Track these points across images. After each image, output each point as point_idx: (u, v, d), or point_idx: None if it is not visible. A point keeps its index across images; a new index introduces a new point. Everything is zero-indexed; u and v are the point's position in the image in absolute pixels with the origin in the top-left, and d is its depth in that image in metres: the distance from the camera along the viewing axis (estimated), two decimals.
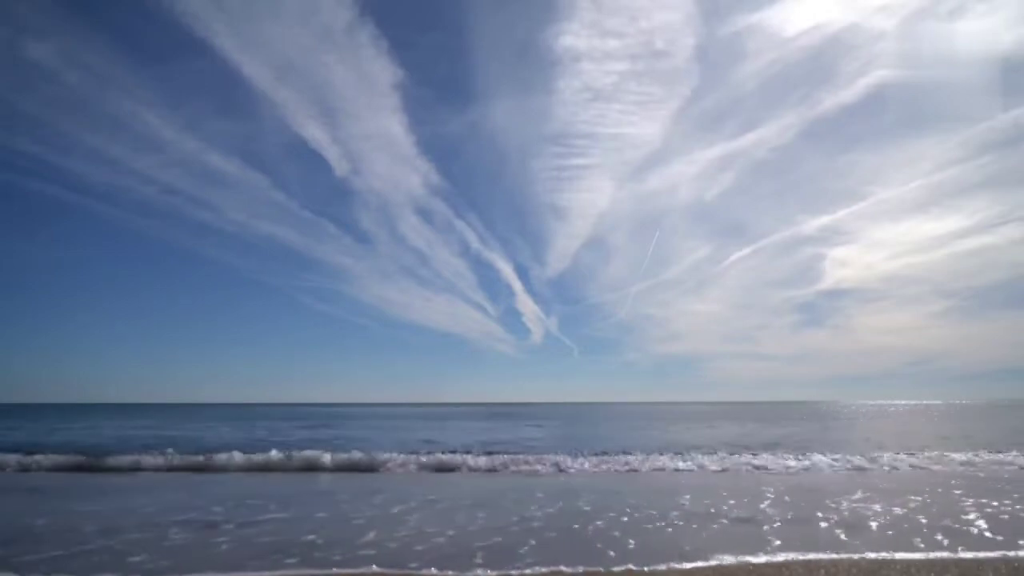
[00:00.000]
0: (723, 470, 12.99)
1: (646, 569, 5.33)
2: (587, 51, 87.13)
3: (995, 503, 8.67)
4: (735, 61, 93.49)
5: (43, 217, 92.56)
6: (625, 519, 7.61)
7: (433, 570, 5.36)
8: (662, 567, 5.39)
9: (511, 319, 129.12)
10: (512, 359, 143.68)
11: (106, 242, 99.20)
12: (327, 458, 13.93)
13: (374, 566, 5.44)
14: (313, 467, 13.60)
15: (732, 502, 8.82)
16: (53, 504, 9.33)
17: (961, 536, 6.56)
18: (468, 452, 15.24)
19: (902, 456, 14.76)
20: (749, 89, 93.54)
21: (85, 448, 16.57)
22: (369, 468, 13.49)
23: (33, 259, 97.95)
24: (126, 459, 13.98)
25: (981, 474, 12.26)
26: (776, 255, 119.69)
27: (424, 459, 13.83)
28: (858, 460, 13.93)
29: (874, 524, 7.22)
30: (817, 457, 14.55)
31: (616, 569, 5.35)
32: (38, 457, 14.51)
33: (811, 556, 5.65)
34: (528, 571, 5.30)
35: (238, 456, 14.17)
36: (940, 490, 10.02)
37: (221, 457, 14.10)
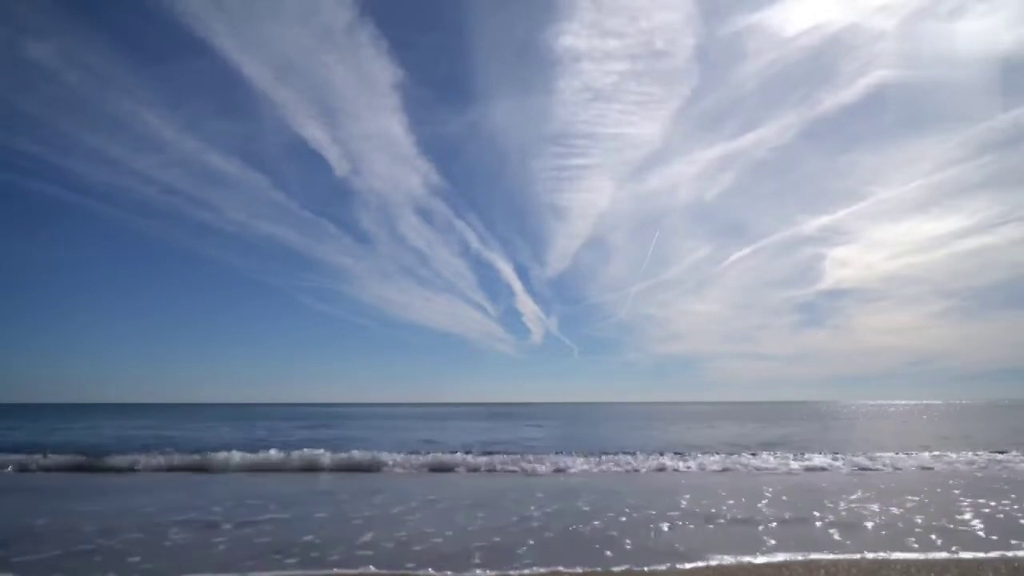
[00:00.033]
0: (723, 470, 12.99)
1: (646, 569, 5.34)
2: (587, 51, 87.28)
3: (992, 503, 8.67)
4: (735, 61, 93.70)
5: (43, 217, 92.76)
6: (624, 519, 7.62)
7: (431, 570, 5.36)
8: (662, 567, 5.39)
9: (511, 319, 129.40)
10: (512, 359, 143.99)
11: (106, 242, 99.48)
12: (327, 458, 13.93)
13: (371, 567, 5.44)
14: (313, 467, 13.60)
15: (731, 502, 8.82)
16: (53, 504, 9.33)
17: (956, 536, 6.56)
18: (468, 452, 15.25)
19: (901, 456, 14.76)
20: (749, 89, 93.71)
21: (85, 448, 16.58)
22: (369, 468, 13.49)
23: (33, 259, 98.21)
24: (126, 459, 13.98)
25: (979, 474, 12.26)
26: (776, 255, 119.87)
27: (424, 459, 13.83)
28: (857, 460, 13.94)
29: (872, 525, 7.22)
30: (817, 457, 14.56)
31: (615, 569, 5.35)
32: (38, 457, 14.52)
33: (811, 556, 5.65)
34: (527, 571, 5.30)
35: (238, 456, 14.17)
36: (939, 490, 10.02)
37: (221, 457, 14.10)
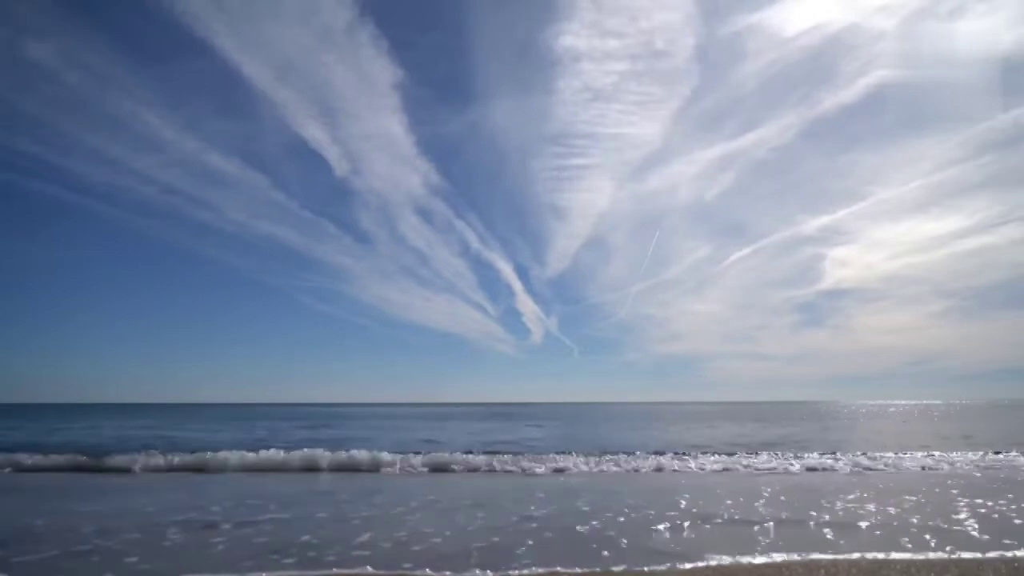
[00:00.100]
0: (722, 470, 12.99)
1: (645, 569, 5.34)
2: (587, 51, 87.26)
3: (990, 503, 8.67)
4: (735, 61, 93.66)
5: (43, 217, 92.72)
6: (624, 520, 7.61)
7: (428, 571, 5.35)
8: (661, 567, 5.39)
9: (511, 319, 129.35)
10: (512, 359, 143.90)
11: (106, 242, 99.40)
12: (327, 458, 13.93)
13: (368, 567, 5.43)
14: (313, 467, 13.60)
15: (730, 502, 8.82)
16: (52, 504, 9.33)
17: (951, 537, 6.56)
18: (468, 452, 15.25)
19: (901, 456, 14.76)
20: (749, 89, 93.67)
21: (85, 448, 16.57)
22: (369, 468, 13.50)
23: (33, 259, 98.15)
24: (126, 459, 13.97)
25: (978, 474, 12.26)
26: (776, 255, 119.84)
27: (424, 459, 13.83)
28: (857, 460, 13.94)
29: (867, 525, 7.22)
30: (816, 457, 14.56)
31: (615, 569, 5.35)
32: (38, 457, 14.53)
33: (811, 556, 5.65)
34: (525, 572, 5.30)
35: (238, 456, 14.18)
36: (937, 490, 10.02)
37: (221, 457, 14.10)
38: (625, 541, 6.46)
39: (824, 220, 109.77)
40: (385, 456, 14.07)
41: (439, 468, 13.31)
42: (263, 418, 46.65)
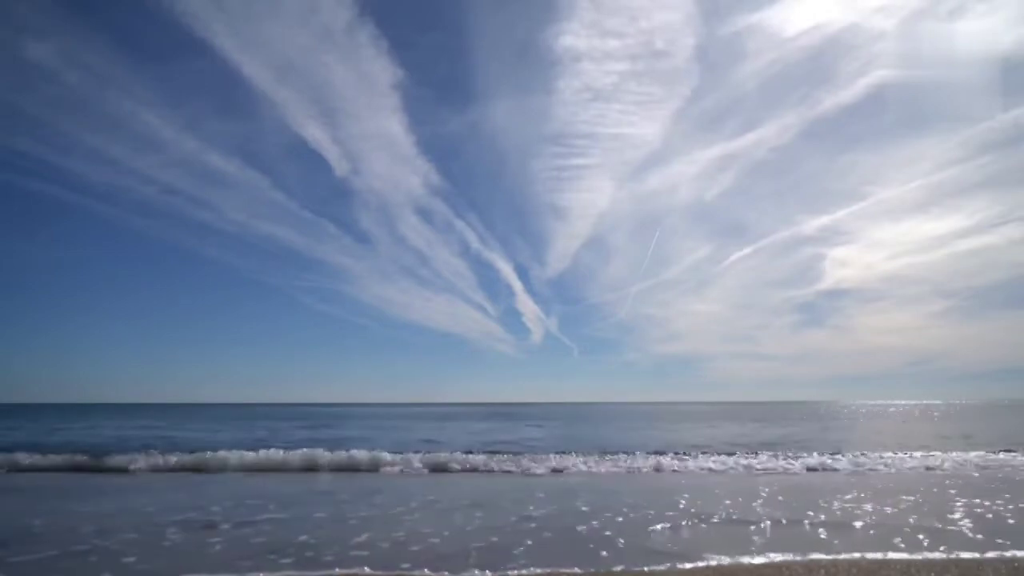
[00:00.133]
0: (722, 470, 12.99)
1: (645, 569, 5.33)
2: (587, 51, 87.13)
3: (987, 503, 8.67)
4: (735, 61, 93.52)
5: (43, 217, 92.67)
6: (623, 520, 7.61)
7: (426, 571, 5.35)
8: (660, 567, 5.38)
9: (511, 319, 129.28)
10: (512, 359, 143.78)
11: (106, 242, 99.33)
12: (327, 458, 13.93)
13: (366, 568, 5.43)
14: (313, 467, 13.60)
15: (729, 502, 8.81)
16: (51, 504, 9.33)
17: (945, 537, 6.55)
18: (468, 452, 15.25)
19: (900, 456, 14.76)
20: (749, 89, 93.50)
21: (85, 448, 16.57)
22: (369, 468, 13.50)
23: (33, 259, 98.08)
24: (126, 459, 13.98)
25: (976, 474, 12.27)
26: (776, 255, 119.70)
27: (424, 459, 13.83)
28: (856, 460, 13.94)
29: (868, 525, 7.21)
30: (816, 457, 14.56)
31: (615, 569, 5.35)
32: (37, 457, 14.53)
33: (811, 556, 5.65)
34: (524, 572, 5.29)
35: (238, 456, 14.18)
36: (935, 490, 10.02)
37: (221, 457, 14.11)
38: (624, 541, 6.46)
39: (824, 220, 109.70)
40: (385, 456, 14.08)
41: (439, 468, 13.31)
42: (263, 418, 46.64)
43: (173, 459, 14.03)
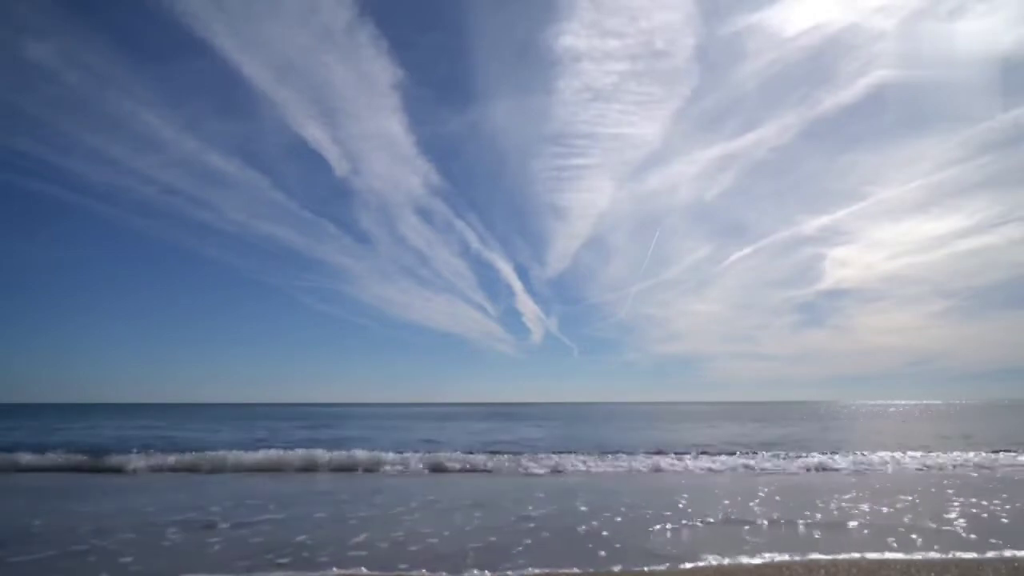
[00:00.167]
0: (722, 470, 12.99)
1: (646, 569, 5.32)
2: (587, 51, 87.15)
3: (984, 502, 8.68)
4: (735, 61, 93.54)
5: (43, 217, 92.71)
6: (622, 520, 7.60)
7: (424, 571, 5.34)
8: (661, 567, 5.38)
9: (511, 319, 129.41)
10: (512, 359, 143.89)
11: (106, 242, 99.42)
12: (327, 458, 13.92)
13: (363, 568, 5.42)
14: (313, 467, 13.59)
15: (729, 503, 8.80)
16: (51, 504, 9.33)
17: (948, 537, 6.55)
18: (468, 452, 15.24)
19: (900, 456, 14.75)
20: (749, 89, 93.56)
21: (85, 448, 16.55)
22: (369, 468, 13.49)
23: (33, 259, 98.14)
24: (126, 459, 13.96)
25: (975, 474, 12.27)
26: (776, 255, 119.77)
27: (423, 459, 13.82)
28: (856, 460, 13.94)
29: (867, 525, 7.21)
30: (816, 457, 14.55)
31: (614, 569, 5.34)
32: (37, 457, 14.52)
33: (811, 556, 5.64)
34: (522, 572, 5.28)
35: (238, 456, 14.17)
36: (933, 490, 10.02)
37: (220, 457, 14.09)
38: (623, 541, 6.45)
39: (824, 220, 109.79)
40: (385, 456, 14.07)
41: (439, 468, 13.30)
42: (263, 418, 46.63)
43: (173, 459, 14.01)
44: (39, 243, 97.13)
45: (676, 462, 13.65)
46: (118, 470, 13.48)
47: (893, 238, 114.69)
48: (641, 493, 9.95)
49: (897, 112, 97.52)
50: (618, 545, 6.28)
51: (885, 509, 8.23)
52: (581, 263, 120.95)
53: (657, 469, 13.11)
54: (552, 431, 29.59)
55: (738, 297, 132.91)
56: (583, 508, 8.46)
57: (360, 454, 14.31)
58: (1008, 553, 5.78)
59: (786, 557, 5.63)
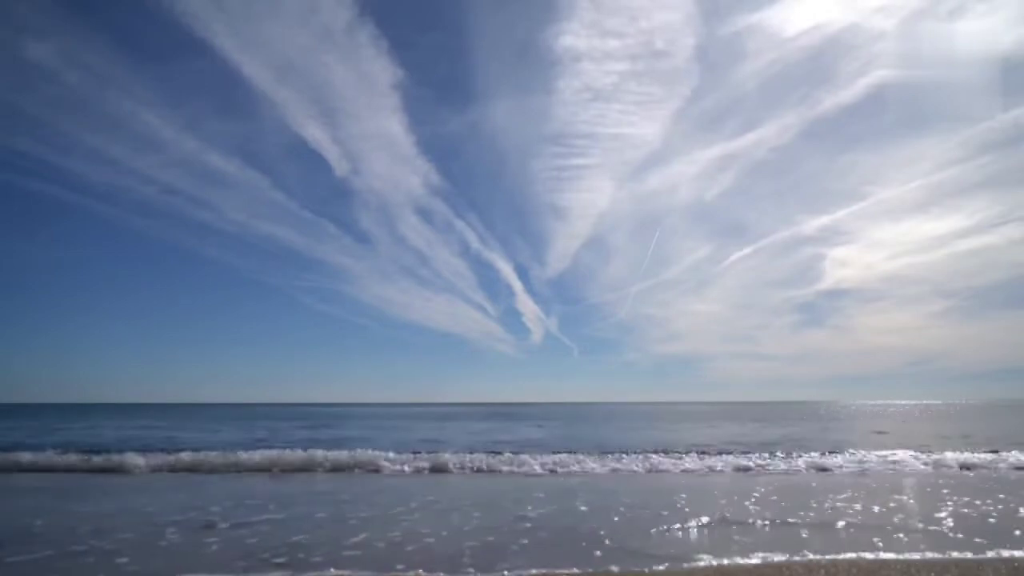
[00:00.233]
0: (722, 470, 12.99)
1: (646, 570, 5.31)
2: (587, 51, 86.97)
3: (977, 502, 8.69)
4: (735, 61, 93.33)
5: (43, 217, 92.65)
6: (621, 520, 7.60)
7: (421, 571, 5.33)
8: (660, 567, 5.37)
9: (511, 319, 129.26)
10: (512, 359, 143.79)
11: (106, 242, 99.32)
12: (327, 458, 13.92)
13: (361, 569, 5.41)
14: (313, 467, 13.58)
15: (729, 502, 8.79)
16: (50, 504, 9.33)
17: (947, 537, 6.54)
18: (468, 452, 15.23)
19: (898, 456, 14.74)
20: (749, 89, 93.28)
21: (85, 448, 16.56)
22: (369, 468, 13.48)
23: (33, 259, 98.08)
24: (125, 459, 13.94)
25: (972, 474, 12.28)
26: (776, 255, 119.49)
27: (423, 459, 13.82)
28: (856, 460, 13.93)
29: (867, 525, 7.20)
30: (815, 457, 14.55)
31: (613, 569, 5.34)
32: (37, 457, 14.52)
33: (811, 556, 5.63)
34: (519, 572, 5.28)
35: (238, 456, 14.16)
36: (928, 490, 10.02)
37: (220, 457, 14.09)
38: (622, 542, 6.44)
39: (824, 220, 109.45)
40: (385, 456, 14.06)
41: (439, 468, 13.29)
42: (263, 418, 46.65)
43: (172, 459, 14.01)
44: (39, 243, 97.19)
45: (676, 462, 13.64)
46: (118, 470, 13.47)
47: (893, 238, 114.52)
48: (640, 493, 9.95)
49: (897, 112, 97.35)
50: (617, 545, 6.28)
51: (885, 509, 8.22)
52: (581, 263, 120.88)
53: (657, 469, 13.10)
54: (552, 431, 29.59)
55: (738, 297, 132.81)
56: (582, 508, 8.46)
57: (360, 454, 14.30)
58: (1008, 553, 5.77)
59: (785, 557, 5.63)
